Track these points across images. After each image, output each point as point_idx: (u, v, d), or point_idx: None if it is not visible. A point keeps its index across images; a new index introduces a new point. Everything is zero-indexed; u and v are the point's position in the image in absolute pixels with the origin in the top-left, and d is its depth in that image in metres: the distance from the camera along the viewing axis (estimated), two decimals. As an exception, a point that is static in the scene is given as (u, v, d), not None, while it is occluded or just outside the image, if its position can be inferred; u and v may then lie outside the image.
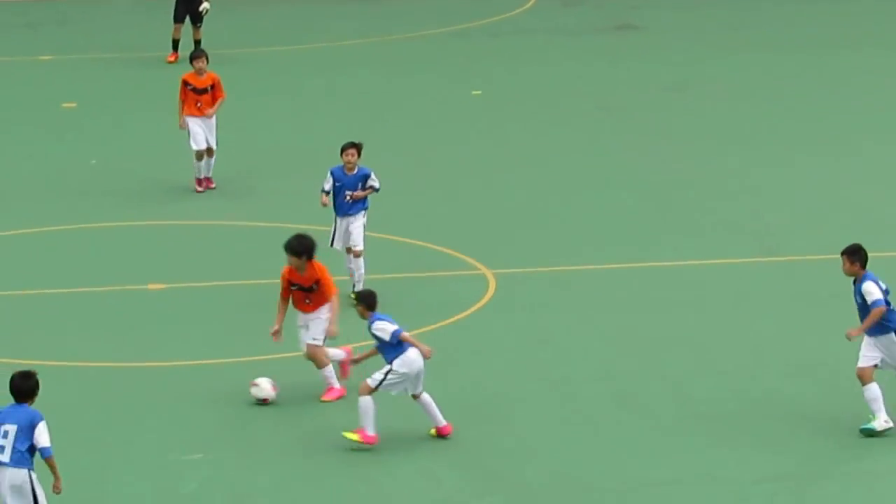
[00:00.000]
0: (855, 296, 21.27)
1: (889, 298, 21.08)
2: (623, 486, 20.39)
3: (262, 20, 49.46)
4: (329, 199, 25.11)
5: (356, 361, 21.45)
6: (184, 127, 30.99)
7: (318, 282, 21.80)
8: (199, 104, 30.74)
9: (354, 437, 20.45)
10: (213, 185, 31.60)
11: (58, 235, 31.12)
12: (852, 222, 30.50)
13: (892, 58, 44.72)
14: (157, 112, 35.02)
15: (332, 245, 25.11)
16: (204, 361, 24.80)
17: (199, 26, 41.10)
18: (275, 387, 22.66)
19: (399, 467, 20.97)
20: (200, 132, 30.70)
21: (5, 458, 16.66)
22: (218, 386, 23.75)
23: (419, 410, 21.45)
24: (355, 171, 24.69)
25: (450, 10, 49.57)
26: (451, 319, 26.17)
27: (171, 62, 42.12)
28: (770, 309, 26.83)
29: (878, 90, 41.47)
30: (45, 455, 16.87)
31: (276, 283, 22.93)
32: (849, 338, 21.19)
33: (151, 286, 27.72)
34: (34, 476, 17.06)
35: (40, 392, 17.42)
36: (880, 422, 21.21)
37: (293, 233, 22.83)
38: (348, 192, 24.62)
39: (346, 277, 25.67)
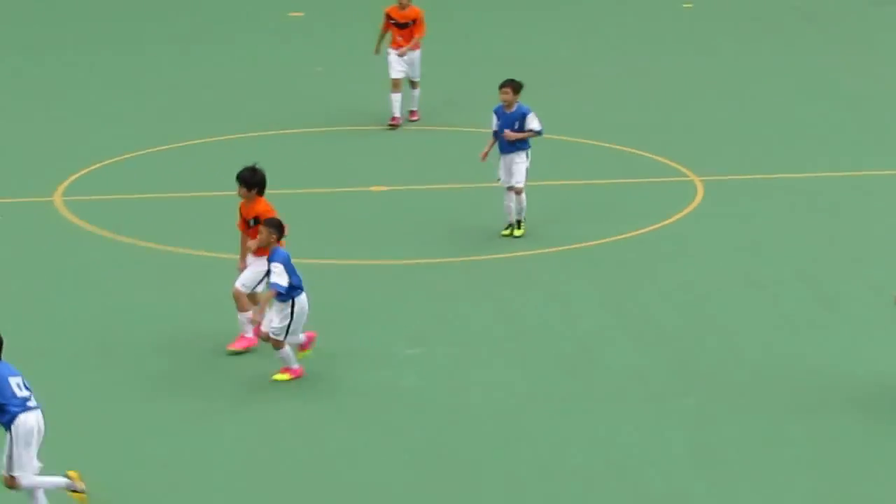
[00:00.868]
0: None
1: None
2: (826, 383, 21.15)
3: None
4: (493, 147, 25.73)
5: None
6: (378, 53, 32.48)
7: (257, 218, 21.32)
8: (399, 38, 31.46)
9: (285, 376, 21.16)
10: (417, 118, 32.98)
11: (285, 139, 33.24)
12: None
13: None
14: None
15: (497, 180, 25.96)
16: (421, 260, 26.38)
17: None
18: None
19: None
20: (396, 63, 31.42)
21: (33, 402, 17.32)
22: (435, 283, 25.34)
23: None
24: (513, 108, 25.23)
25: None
26: (661, 224, 27.76)
27: None
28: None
29: None
30: None
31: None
32: None
33: (374, 188, 29.55)
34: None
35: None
36: None
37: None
38: (506, 129, 25.19)
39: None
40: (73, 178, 31.15)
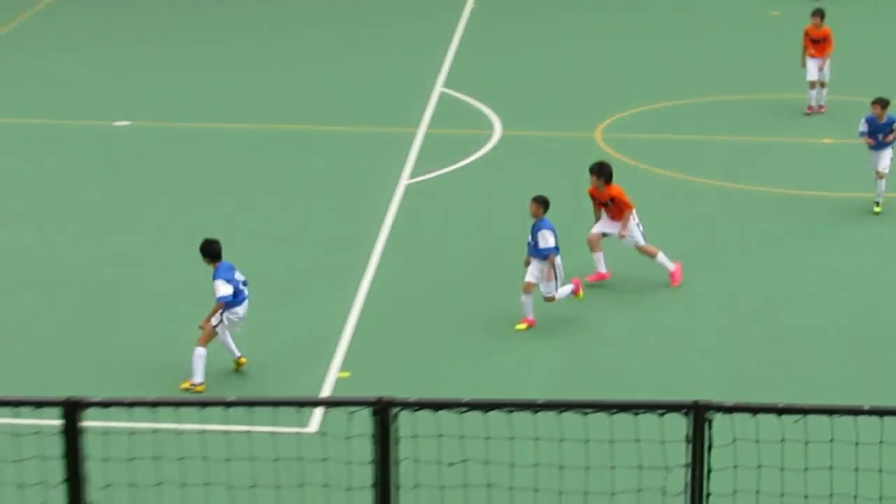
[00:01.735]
0: None
1: None
2: None
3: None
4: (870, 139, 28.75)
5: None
6: (803, 66, 35.65)
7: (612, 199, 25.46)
8: (813, 50, 35.31)
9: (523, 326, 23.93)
10: (824, 110, 35.60)
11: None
12: None
13: None
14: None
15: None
16: None
17: None
18: None
19: None
20: (813, 68, 35.21)
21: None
22: None
23: None
24: (884, 119, 28.47)
25: None
26: None
27: None
28: None
29: None
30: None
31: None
32: None
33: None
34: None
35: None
36: None
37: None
38: (880, 134, 28.52)
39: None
40: (610, 119, 35.42)
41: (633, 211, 25.46)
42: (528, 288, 23.67)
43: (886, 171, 28.73)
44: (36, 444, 12.65)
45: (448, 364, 22.98)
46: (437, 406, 11.46)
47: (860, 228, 28.48)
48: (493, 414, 11.41)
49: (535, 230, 23.56)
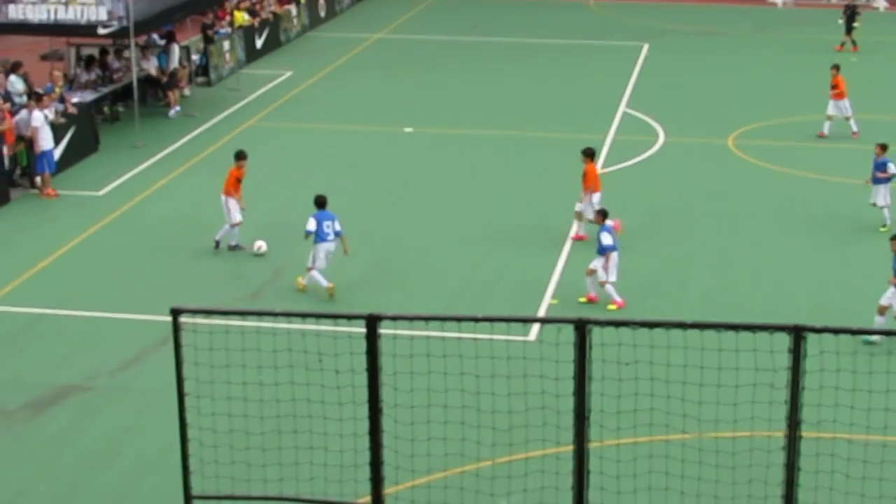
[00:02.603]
0: None
1: None
2: None
3: None
4: None
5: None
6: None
7: None
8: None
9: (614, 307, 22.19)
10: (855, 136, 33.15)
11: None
12: None
13: None
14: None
15: None
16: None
17: None
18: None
19: None
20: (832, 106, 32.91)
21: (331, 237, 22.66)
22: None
23: None
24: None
25: None
26: None
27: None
28: None
29: None
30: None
31: None
32: None
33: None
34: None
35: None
36: None
37: None
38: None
39: None
40: (739, 130, 34.96)
41: (598, 194, 25.22)
42: (590, 273, 22.50)
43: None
44: (348, 343, 12.80)
45: (627, 295, 22.89)
46: (617, 324, 11.53)
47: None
48: (656, 330, 11.42)
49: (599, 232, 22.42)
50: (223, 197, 24.90)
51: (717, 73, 40.43)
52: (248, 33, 44.17)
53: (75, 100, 33.14)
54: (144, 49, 37.87)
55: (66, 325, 21.91)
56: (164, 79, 37.48)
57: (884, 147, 26.19)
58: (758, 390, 13.31)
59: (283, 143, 34.16)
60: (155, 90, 38.03)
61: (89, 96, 34.54)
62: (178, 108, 36.90)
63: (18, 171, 29.72)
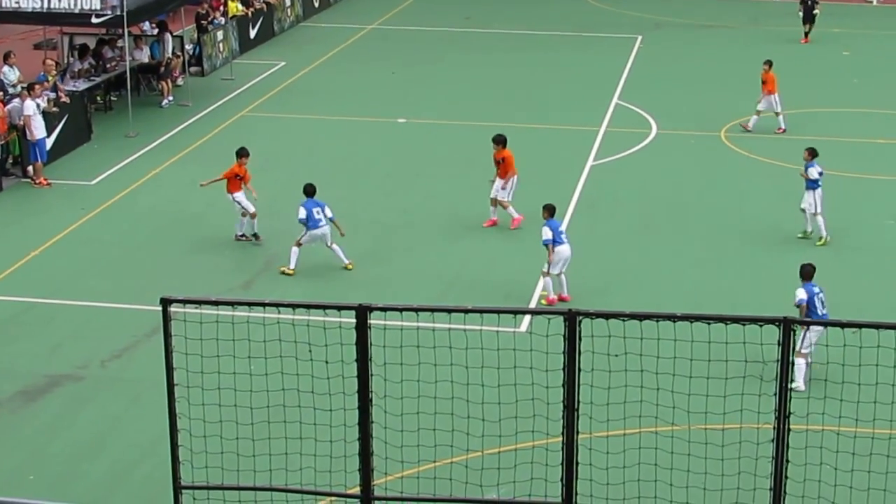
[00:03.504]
0: None
1: None
2: None
3: None
4: None
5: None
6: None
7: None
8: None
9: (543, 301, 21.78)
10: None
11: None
12: None
13: None
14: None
15: None
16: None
17: None
18: None
19: None
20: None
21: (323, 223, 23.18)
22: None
23: None
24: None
25: None
26: None
27: None
28: None
29: None
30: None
31: None
32: None
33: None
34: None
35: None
36: None
37: None
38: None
39: None
40: (730, 123, 34.89)
41: (515, 177, 25.47)
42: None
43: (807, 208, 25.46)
44: (338, 334, 12.79)
45: (614, 288, 22.92)
46: (607, 316, 11.51)
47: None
48: (646, 322, 11.42)
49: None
50: (228, 196, 24.92)
51: (711, 66, 40.46)
52: (242, 23, 44.10)
53: (68, 89, 33.06)
54: (138, 39, 37.78)
55: (58, 314, 21.88)
56: (162, 68, 37.39)
57: (811, 152, 25.56)
58: (747, 382, 13.31)
59: (277, 133, 34.12)
60: (148, 80, 37.96)
61: (82, 85, 34.47)
62: (171, 98, 36.83)
63: (10, 160, 29.66)
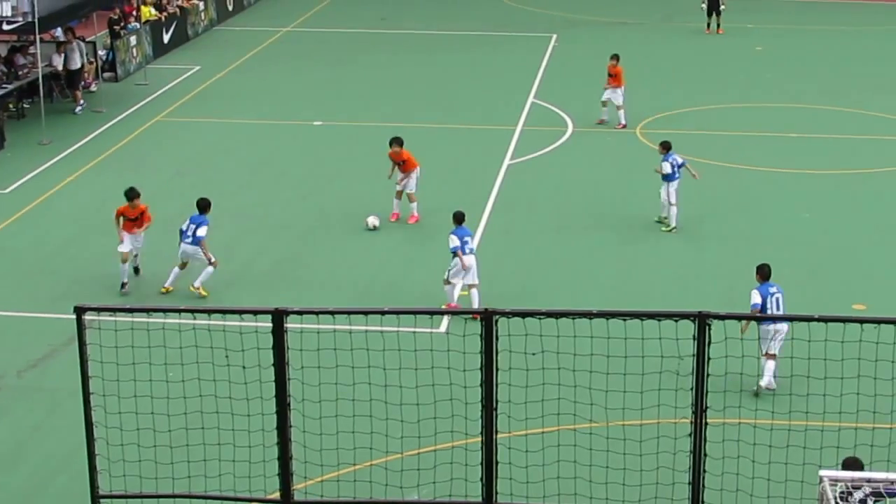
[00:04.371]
0: None
1: None
2: None
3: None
4: None
5: None
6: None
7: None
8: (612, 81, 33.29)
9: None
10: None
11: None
12: None
13: None
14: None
15: None
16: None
17: None
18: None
19: None
20: (609, 93, 33.31)
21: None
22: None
23: None
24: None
25: None
26: None
27: None
28: None
29: None
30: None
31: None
32: None
33: None
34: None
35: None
36: None
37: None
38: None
39: None
40: (646, 120, 35.11)
41: (418, 168, 25.68)
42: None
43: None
44: (255, 339, 12.69)
45: (532, 287, 22.99)
46: (524, 315, 11.52)
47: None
48: (563, 320, 11.44)
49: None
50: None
51: (625, 63, 40.54)
52: (156, 28, 43.70)
53: (-21, 97, 32.61)
54: (60, 45, 37.29)
55: (-28, 324, 21.54)
56: (86, 73, 37.01)
57: (665, 146, 25.83)
58: (664, 378, 13.38)
59: (192, 137, 33.84)
60: (61, 87, 37.49)
61: (-6, 93, 34.01)
62: (83, 103, 36.39)
63: (-79, 170, 29.16)
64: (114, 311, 12.26)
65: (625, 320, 11.52)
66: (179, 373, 13.66)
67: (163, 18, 44.38)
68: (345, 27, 49.47)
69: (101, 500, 12.39)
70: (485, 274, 23.29)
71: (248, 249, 23.30)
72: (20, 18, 31.67)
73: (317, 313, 11.71)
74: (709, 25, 47.72)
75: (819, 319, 11.42)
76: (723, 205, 27.76)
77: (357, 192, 28.75)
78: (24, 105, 35.85)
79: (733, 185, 29.12)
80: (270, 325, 11.52)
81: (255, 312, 11.72)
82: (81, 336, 11.62)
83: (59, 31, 38.71)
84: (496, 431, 11.58)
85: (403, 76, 40.85)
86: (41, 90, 33.62)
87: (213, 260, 22.05)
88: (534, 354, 12.92)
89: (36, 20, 31.60)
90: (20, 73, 35.75)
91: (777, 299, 17.74)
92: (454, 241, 21.33)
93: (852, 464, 14.27)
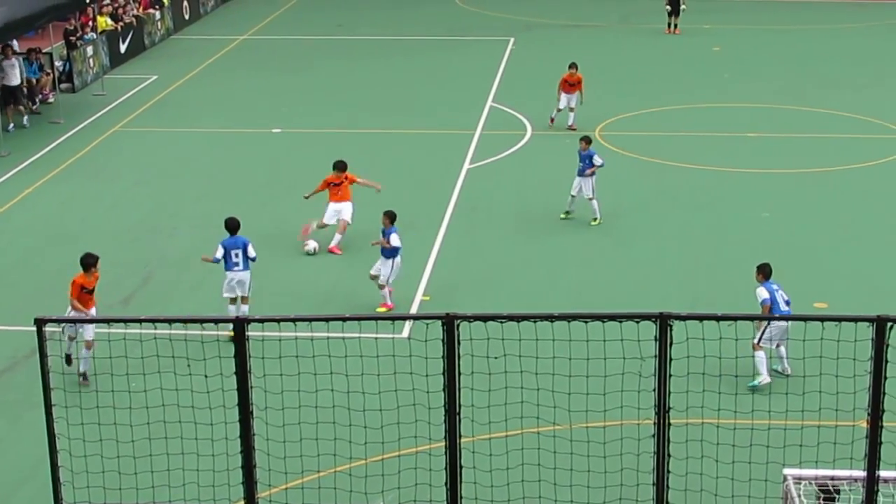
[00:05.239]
0: None
1: None
2: None
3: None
4: None
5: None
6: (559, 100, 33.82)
7: None
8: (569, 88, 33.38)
9: (382, 310, 21.48)
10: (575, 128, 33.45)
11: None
12: None
13: None
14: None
15: None
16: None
17: None
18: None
19: None
20: (564, 99, 33.37)
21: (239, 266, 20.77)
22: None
23: None
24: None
25: None
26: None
27: None
28: None
29: None
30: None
31: None
32: None
33: None
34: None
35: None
36: None
37: None
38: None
39: None
40: (605, 122, 35.32)
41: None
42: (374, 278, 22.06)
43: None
44: (216, 347, 12.65)
45: (494, 291, 23.02)
46: (485, 318, 11.53)
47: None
48: (525, 323, 11.46)
49: (387, 234, 21.84)
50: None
51: (583, 66, 40.74)
52: (112, 38, 43.53)
53: (-65, 109, 32.34)
54: (31, 52, 37.08)
55: (-69, 338, 21.38)
56: (42, 85, 36.78)
57: (588, 140, 26.22)
58: (626, 379, 13.42)
59: (150, 147, 33.71)
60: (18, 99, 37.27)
61: (-51, 106, 33.75)
62: (28, 115, 36.17)
63: None
64: (74, 322, 12.20)
65: (586, 322, 11.52)
66: (141, 383, 13.60)
67: (119, 28, 44.21)
68: (301, 34, 49.44)
69: (65, 512, 12.30)
70: (445, 278, 23.33)
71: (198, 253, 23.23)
72: (-26, 29, 31.47)
73: (278, 321, 11.68)
74: (669, 25, 48.03)
75: (780, 318, 11.47)
76: (683, 206, 27.88)
77: (317, 199, 28.67)
78: (-20, 118, 35.64)
79: (693, 186, 29.26)
80: (232, 333, 11.49)
81: (217, 321, 11.69)
82: (42, 347, 11.56)
83: (14, 43, 38.45)
84: (460, 436, 11.57)
85: (361, 82, 40.84)
86: (-3, 102, 33.41)
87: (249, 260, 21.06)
88: (496, 358, 12.91)
89: (-9, 31, 31.43)
90: (-24, 84, 35.53)
91: (782, 295, 18.27)
92: (397, 241, 21.47)
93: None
